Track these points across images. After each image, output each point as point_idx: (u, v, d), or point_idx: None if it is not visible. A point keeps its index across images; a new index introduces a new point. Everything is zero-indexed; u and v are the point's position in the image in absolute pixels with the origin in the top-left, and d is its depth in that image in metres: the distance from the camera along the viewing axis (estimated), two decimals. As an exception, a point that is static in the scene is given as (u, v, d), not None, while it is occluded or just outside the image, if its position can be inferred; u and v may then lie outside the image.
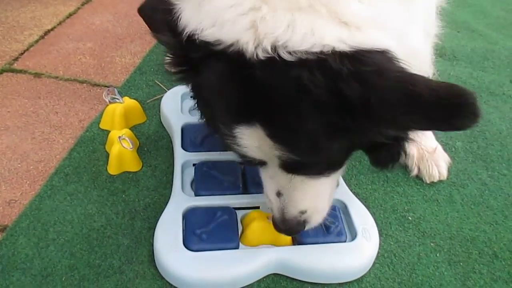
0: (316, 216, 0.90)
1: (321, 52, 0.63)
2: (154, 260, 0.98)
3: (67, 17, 1.90)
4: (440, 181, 1.24)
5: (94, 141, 1.28)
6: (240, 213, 1.04)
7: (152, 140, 1.30)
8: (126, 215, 1.08)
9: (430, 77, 0.84)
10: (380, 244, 1.03)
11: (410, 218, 1.13)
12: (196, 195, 1.09)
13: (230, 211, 1.02)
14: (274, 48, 0.64)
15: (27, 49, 1.68)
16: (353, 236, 1.02)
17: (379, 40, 0.67)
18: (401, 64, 0.67)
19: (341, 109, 0.66)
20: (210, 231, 0.98)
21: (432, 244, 1.08)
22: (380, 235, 1.05)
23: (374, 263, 1.01)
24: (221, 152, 1.15)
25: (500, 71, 1.75)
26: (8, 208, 1.09)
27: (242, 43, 0.65)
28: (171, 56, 0.78)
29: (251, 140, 0.75)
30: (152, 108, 1.41)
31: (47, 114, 1.38)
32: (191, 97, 0.84)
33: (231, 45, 0.66)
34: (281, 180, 0.85)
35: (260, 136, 0.73)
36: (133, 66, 1.61)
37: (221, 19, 0.66)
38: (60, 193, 1.12)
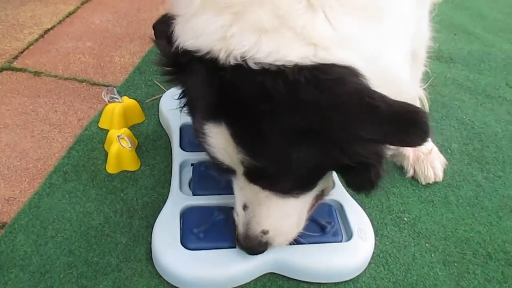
0: (279, 238, 0.91)
1: (283, 66, 0.68)
2: (152, 258, 0.99)
3: (67, 16, 1.91)
4: (436, 183, 1.25)
5: (93, 140, 1.29)
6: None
7: (150, 140, 1.31)
8: (124, 214, 1.09)
9: (413, 98, 0.87)
10: (375, 244, 1.04)
11: (405, 218, 1.15)
12: (194, 194, 1.09)
13: (227, 211, 1.03)
14: (243, 58, 0.70)
15: (27, 48, 1.69)
16: (349, 236, 1.03)
17: (346, 59, 0.70)
18: (365, 80, 0.70)
19: (301, 115, 0.70)
20: (207, 230, 0.99)
21: (427, 244, 1.09)
22: (376, 235, 1.06)
23: (370, 263, 1.02)
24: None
25: (496, 74, 1.76)
26: (7, 206, 1.10)
27: (215, 50, 0.72)
28: (164, 59, 0.85)
29: (218, 139, 0.79)
30: (151, 107, 1.42)
31: (46, 112, 1.39)
32: (179, 97, 0.89)
33: (208, 52, 0.73)
34: (248, 193, 0.88)
35: (225, 136, 0.77)
36: (132, 65, 1.62)
37: (199, 32, 0.74)
38: (59, 191, 1.13)
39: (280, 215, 0.88)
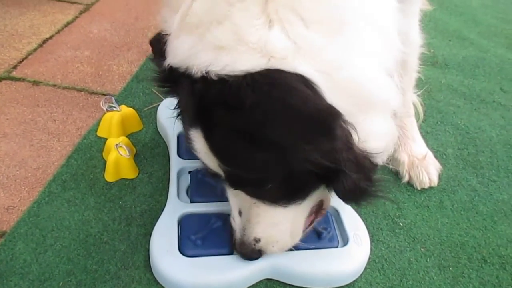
0: (271, 247, 0.93)
1: (235, 75, 0.74)
2: (150, 266, 1.00)
3: (65, 26, 1.92)
4: (431, 188, 1.27)
5: (91, 148, 1.30)
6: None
7: (148, 148, 1.33)
8: (122, 221, 1.10)
9: (398, 106, 0.87)
10: (371, 249, 1.05)
11: (401, 224, 1.16)
12: (191, 201, 1.11)
13: (224, 218, 1.04)
14: (207, 71, 0.77)
15: (26, 57, 1.70)
16: (345, 242, 1.04)
17: (299, 68, 0.74)
18: (315, 88, 0.73)
19: (245, 118, 0.75)
20: (205, 237, 1.00)
21: (422, 249, 1.10)
22: (372, 240, 1.07)
23: (366, 268, 1.03)
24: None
25: (490, 79, 1.78)
26: (6, 214, 1.11)
27: (189, 67, 0.80)
28: (160, 75, 0.92)
29: (199, 144, 0.85)
30: (148, 116, 1.44)
31: (45, 121, 1.40)
32: (175, 107, 0.94)
33: (186, 68, 0.81)
34: (240, 198, 0.92)
35: (203, 141, 0.84)
36: (130, 74, 1.64)
37: (178, 51, 0.83)
38: (58, 200, 1.14)
39: (270, 223, 0.90)
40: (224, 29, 0.76)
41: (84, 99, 1.51)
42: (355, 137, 0.77)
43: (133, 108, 1.39)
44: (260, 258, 0.96)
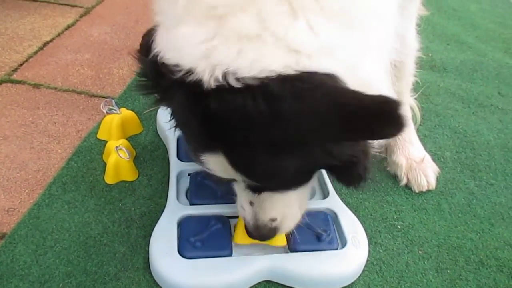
0: (287, 222, 0.94)
1: (266, 78, 0.65)
2: (150, 268, 1.00)
3: (66, 29, 1.93)
4: (429, 191, 1.27)
5: (91, 151, 1.31)
6: (233, 222, 1.07)
7: (148, 150, 1.33)
8: (122, 224, 1.11)
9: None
10: (369, 252, 1.06)
11: (399, 226, 1.17)
12: (190, 204, 1.11)
13: (223, 220, 1.05)
14: (225, 75, 0.66)
15: (26, 60, 1.71)
16: (343, 244, 1.04)
17: (327, 67, 0.69)
18: (343, 83, 0.69)
19: (284, 129, 0.68)
20: (204, 239, 1.01)
21: (420, 252, 1.11)
22: (370, 243, 1.08)
23: (364, 270, 1.04)
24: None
25: (488, 83, 1.79)
26: (7, 216, 1.11)
27: (199, 71, 0.68)
28: (143, 79, 0.81)
29: (217, 166, 0.79)
30: (148, 119, 1.44)
31: (45, 124, 1.41)
32: (170, 118, 0.87)
33: (189, 72, 0.68)
34: (251, 193, 0.90)
35: (224, 163, 0.76)
36: (130, 77, 1.64)
37: (180, 44, 0.70)
38: (58, 202, 1.15)
39: (283, 205, 0.91)
40: (250, 14, 0.66)
41: (84, 101, 1.52)
42: None
43: (133, 111, 1.40)
44: (260, 259, 0.97)
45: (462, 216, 1.21)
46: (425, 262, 1.08)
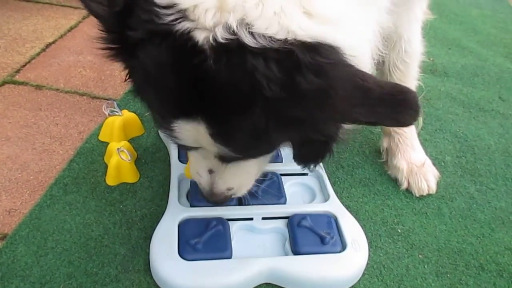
0: (242, 190, 0.95)
1: (285, 41, 0.58)
2: (150, 269, 1.00)
3: (68, 31, 1.94)
4: (429, 195, 1.27)
5: (93, 152, 1.31)
6: (233, 224, 1.07)
7: (149, 152, 1.34)
8: (123, 225, 1.11)
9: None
10: (369, 255, 1.06)
11: (399, 230, 1.17)
12: (191, 206, 1.11)
13: (223, 222, 1.06)
14: (239, 26, 0.56)
15: (29, 62, 1.72)
16: (344, 248, 1.04)
17: (334, 36, 0.64)
18: (349, 60, 0.67)
19: (292, 102, 0.63)
20: (205, 241, 1.01)
21: (420, 256, 1.11)
22: (370, 246, 1.08)
23: (364, 274, 1.04)
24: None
25: (489, 87, 1.79)
26: (8, 217, 1.11)
27: (199, 11, 0.57)
28: (102, 31, 0.68)
29: (190, 135, 0.70)
30: (150, 121, 1.44)
31: (47, 125, 1.41)
32: (126, 78, 0.75)
33: (183, 16, 0.57)
34: (214, 162, 0.84)
35: (201, 132, 0.68)
36: (132, 79, 1.65)
37: None
38: (59, 203, 1.15)
39: (243, 173, 0.90)
40: None
41: (86, 103, 1.53)
42: None
43: (135, 113, 1.40)
44: (260, 261, 0.98)
45: (463, 221, 1.21)
46: (425, 266, 1.08)
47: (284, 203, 1.14)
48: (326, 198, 1.17)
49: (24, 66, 1.69)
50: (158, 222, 1.06)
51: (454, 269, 1.08)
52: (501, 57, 2.03)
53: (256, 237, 1.08)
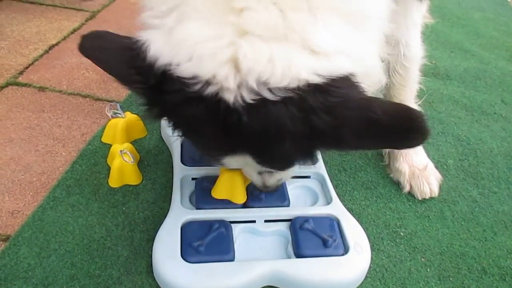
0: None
1: (298, 88, 0.65)
2: (153, 271, 1.00)
3: (72, 33, 1.94)
4: (432, 198, 1.27)
5: (96, 154, 1.31)
6: (235, 227, 1.08)
7: (152, 154, 1.34)
8: (126, 227, 1.11)
9: (383, 84, 0.96)
10: (372, 258, 1.06)
11: (401, 233, 1.17)
12: (197, 208, 1.11)
13: (225, 224, 1.06)
14: (258, 86, 0.63)
15: (32, 63, 1.72)
16: (346, 251, 1.04)
17: (343, 66, 0.69)
18: (360, 86, 0.72)
19: (312, 135, 0.71)
20: (207, 243, 1.01)
21: (422, 259, 1.11)
22: (372, 250, 1.08)
23: (366, 277, 1.04)
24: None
25: (492, 91, 1.79)
26: (11, 219, 1.12)
27: (220, 78, 0.64)
28: (145, 104, 0.78)
29: (238, 163, 0.86)
30: (153, 123, 1.45)
31: (50, 127, 1.42)
32: (172, 131, 0.85)
33: (208, 83, 0.64)
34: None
35: (248, 160, 0.81)
36: (135, 81, 1.65)
37: (199, 52, 0.63)
38: (62, 205, 1.15)
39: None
40: (271, 10, 0.62)
41: (89, 105, 1.53)
42: None
43: (138, 115, 1.40)
44: (263, 264, 0.98)
45: (465, 224, 1.21)
46: (428, 270, 1.08)
47: (288, 205, 1.14)
48: (328, 201, 1.17)
49: (27, 68, 1.69)
50: (160, 224, 1.06)
51: (457, 273, 1.08)
52: (503, 60, 2.03)
53: (258, 240, 1.08)
